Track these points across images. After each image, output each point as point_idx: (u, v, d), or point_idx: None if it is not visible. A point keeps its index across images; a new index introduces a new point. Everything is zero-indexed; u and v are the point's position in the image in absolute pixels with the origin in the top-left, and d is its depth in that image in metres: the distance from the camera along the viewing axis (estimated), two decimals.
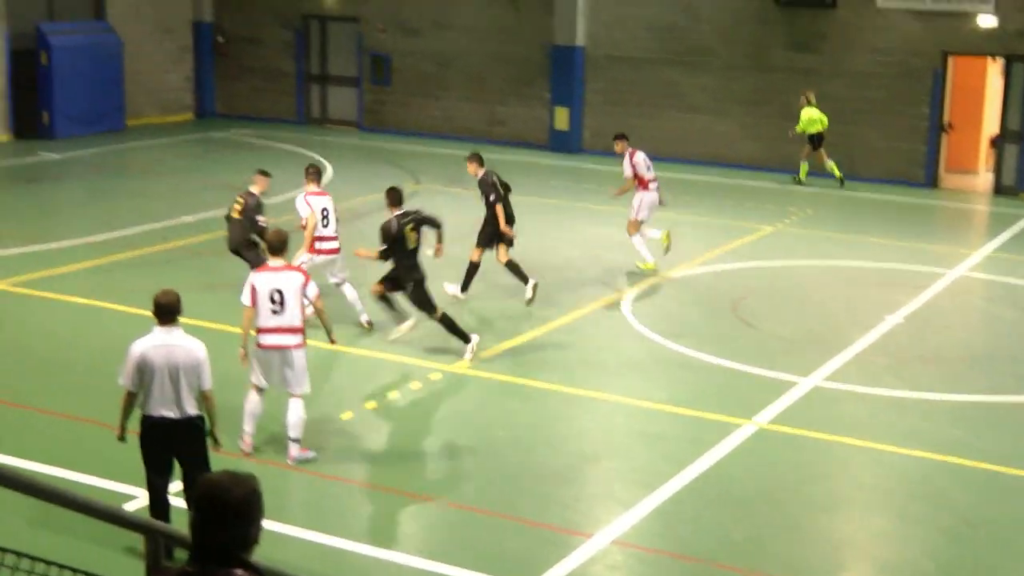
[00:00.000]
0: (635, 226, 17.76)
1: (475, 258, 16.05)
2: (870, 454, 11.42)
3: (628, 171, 18.22)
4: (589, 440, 11.56)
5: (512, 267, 15.85)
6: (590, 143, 27.55)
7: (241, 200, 14.89)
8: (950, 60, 24.54)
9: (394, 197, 13.67)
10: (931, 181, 24.91)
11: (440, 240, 14.01)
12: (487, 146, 27.78)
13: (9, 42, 26.92)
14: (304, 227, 14.47)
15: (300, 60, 30.86)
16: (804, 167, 24.64)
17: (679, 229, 20.31)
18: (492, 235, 16.00)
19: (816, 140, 24.30)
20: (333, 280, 14.81)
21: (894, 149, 25.02)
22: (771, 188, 24.19)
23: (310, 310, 11.17)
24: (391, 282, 13.76)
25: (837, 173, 24.37)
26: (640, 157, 18.17)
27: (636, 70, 27.00)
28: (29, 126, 27.04)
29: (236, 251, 15.00)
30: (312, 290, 10.70)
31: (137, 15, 29.96)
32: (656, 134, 27.01)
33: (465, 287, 16.02)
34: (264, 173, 15.25)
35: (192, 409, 8.78)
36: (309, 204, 14.60)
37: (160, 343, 8.75)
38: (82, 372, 12.85)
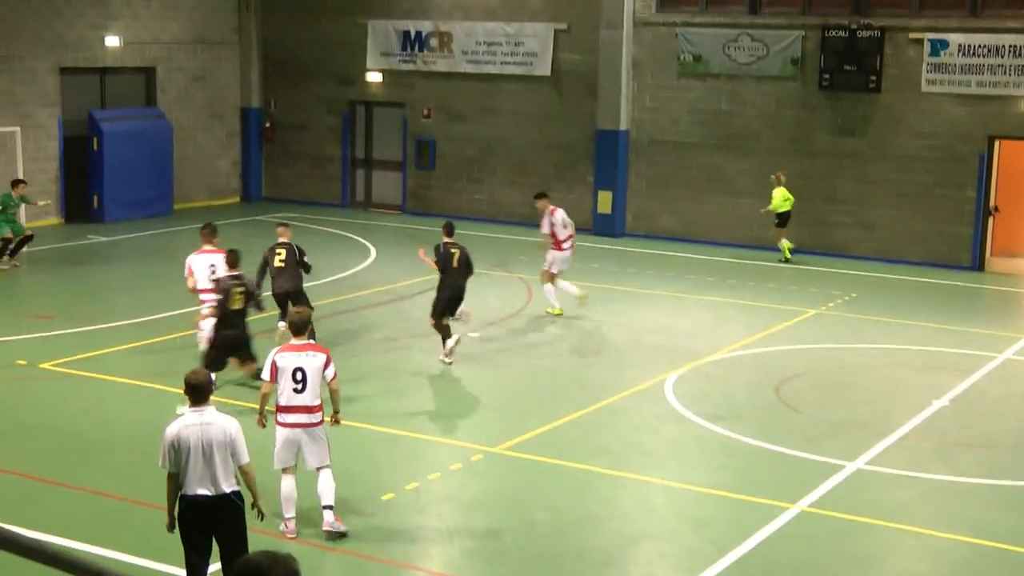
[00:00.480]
0: (547, 276, 19.31)
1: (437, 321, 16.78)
2: (916, 539, 11.23)
3: (546, 228, 19.62)
4: (631, 523, 11.43)
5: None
6: (633, 226, 27.61)
7: (282, 251, 16.83)
8: (996, 143, 24.48)
9: (232, 259, 15.31)
10: (977, 264, 24.73)
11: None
12: (530, 230, 27.94)
13: (62, 128, 27.44)
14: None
15: (345, 145, 31.24)
16: (785, 245, 24.99)
17: (723, 312, 20.31)
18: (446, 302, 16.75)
19: (784, 219, 24.85)
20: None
21: (940, 232, 24.89)
22: (814, 271, 24.09)
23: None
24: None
25: (787, 254, 24.93)
26: (559, 216, 19.46)
27: (679, 154, 27.12)
28: (80, 210, 27.45)
29: (293, 294, 16.78)
30: (331, 371, 10.85)
31: (187, 101, 30.50)
32: (699, 218, 27.06)
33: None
34: (284, 224, 17.71)
35: (229, 486, 8.76)
36: (191, 264, 16.25)
37: (192, 422, 8.77)
38: (123, 451, 12.90)
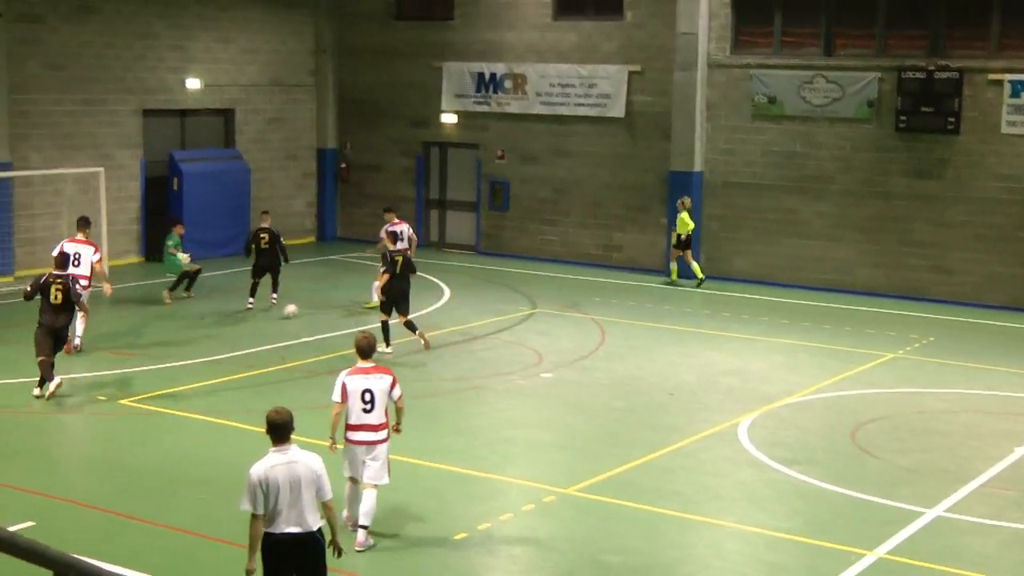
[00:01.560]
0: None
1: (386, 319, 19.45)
2: None
3: (382, 234, 21.81)
4: (703, 568, 11.33)
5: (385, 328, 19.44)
6: (706, 268, 27.48)
7: (265, 235, 22.32)
8: None
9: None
10: None
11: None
12: (603, 271, 27.96)
13: (144, 169, 27.95)
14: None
15: (420, 186, 31.49)
16: (696, 267, 26.29)
17: (797, 355, 20.14)
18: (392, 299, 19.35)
19: (686, 242, 26.08)
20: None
21: (1019, 276, 24.53)
22: (891, 314, 23.83)
23: None
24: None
25: (699, 275, 26.26)
26: (400, 229, 22.24)
27: (753, 196, 27.02)
28: (159, 249, 27.84)
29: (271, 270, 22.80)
30: (397, 392, 11.45)
31: (264, 143, 30.96)
32: (773, 260, 26.91)
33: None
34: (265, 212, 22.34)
35: (315, 523, 8.75)
36: (61, 247, 18.57)
37: (279, 462, 8.68)
38: (198, 488, 13.02)
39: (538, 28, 29.36)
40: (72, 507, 12.34)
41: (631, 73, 28.18)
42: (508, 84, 29.69)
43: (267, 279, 23.08)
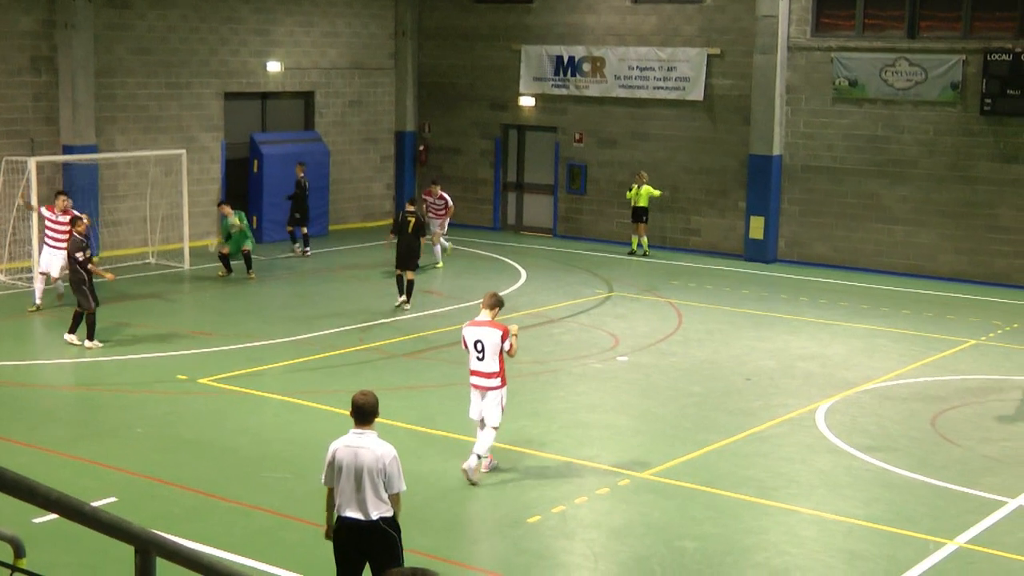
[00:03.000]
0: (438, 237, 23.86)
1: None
2: None
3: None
4: (780, 554, 11.27)
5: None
6: (785, 252, 27.28)
7: (412, 219, 21.87)
8: None
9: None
10: None
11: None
12: (682, 254, 27.83)
13: (225, 151, 28.30)
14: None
15: (498, 168, 31.53)
16: (645, 241, 27.72)
17: (877, 340, 19.93)
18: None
19: (643, 213, 27.56)
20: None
21: None
22: (974, 300, 23.47)
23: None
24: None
25: (643, 246, 27.71)
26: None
27: (834, 180, 26.72)
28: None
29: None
30: (507, 345, 12.53)
31: (343, 125, 31.18)
32: (854, 244, 26.61)
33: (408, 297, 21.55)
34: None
35: (379, 512, 8.60)
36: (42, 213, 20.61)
37: (350, 443, 8.71)
38: (278, 468, 13.18)
39: (618, 11, 29.23)
40: (153, 484, 12.56)
41: (711, 56, 27.97)
42: (587, 67, 29.61)
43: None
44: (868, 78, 26.01)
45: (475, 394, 12.79)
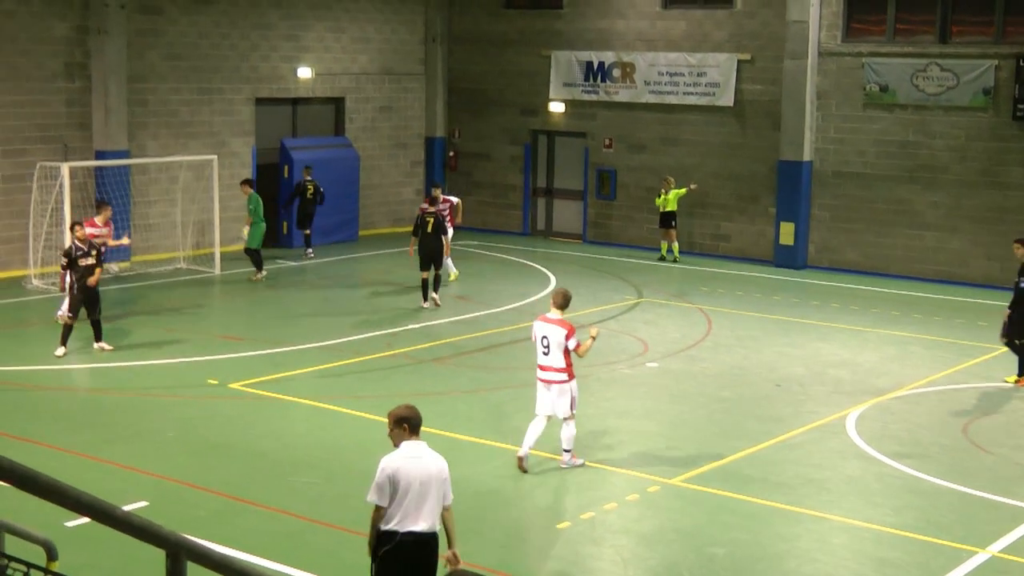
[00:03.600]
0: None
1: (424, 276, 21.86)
2: None
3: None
4: (810, 561, 11.22)
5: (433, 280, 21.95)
6: (815, 259, 27.18)
7: (431, 219, 22.14)
8: None
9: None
10: None
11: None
12: (712, 260, 27.76)
13: (255, 156, 28.42)
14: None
15: (527, 174, 31.55)
16: (675, 247, 27.70)
17: (908, 347, 19.82)
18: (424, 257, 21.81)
19: (672, 218, 27.48)
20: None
21: None
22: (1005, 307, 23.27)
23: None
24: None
25: (672, 252, 27.72)
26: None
27: (864, 186, 26.61)
28: (269, 235, 28.22)
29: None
30: (572, 343, 12.99)
31: (373, 131, 31.28)
32: (885, 251, 26.48)
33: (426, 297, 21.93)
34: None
35: (436, 524, 8.45)
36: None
37: (413, 455, 8.40)
38: (311, 474, 13.22)
39: (648, 16, 29.21)
40: (184, 488, 12.61)
41: (741, 61, 27.91)
42: (616, 73, 29.60)
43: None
44: (899, 83, 25.89)
45: (541, 387, 13.24)
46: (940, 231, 25.84)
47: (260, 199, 24.43)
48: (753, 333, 20.65)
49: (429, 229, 21.77)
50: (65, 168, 22.68)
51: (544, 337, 13.07)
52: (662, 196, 27.46)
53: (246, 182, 24.81)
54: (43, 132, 24.53)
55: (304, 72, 29.21)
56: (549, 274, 25.76)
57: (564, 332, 13.00)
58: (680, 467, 13.65)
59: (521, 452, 13.24)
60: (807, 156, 27.01)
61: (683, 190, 27.46)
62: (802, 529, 12.00)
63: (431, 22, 32.04)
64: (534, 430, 13.24)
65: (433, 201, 22.77)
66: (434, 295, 21.89)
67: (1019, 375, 17.51)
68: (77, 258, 17.73)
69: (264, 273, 24.37)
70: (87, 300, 17.83)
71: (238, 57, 27.87)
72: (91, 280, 17.73)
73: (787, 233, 27.23)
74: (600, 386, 17.14)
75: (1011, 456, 14.40)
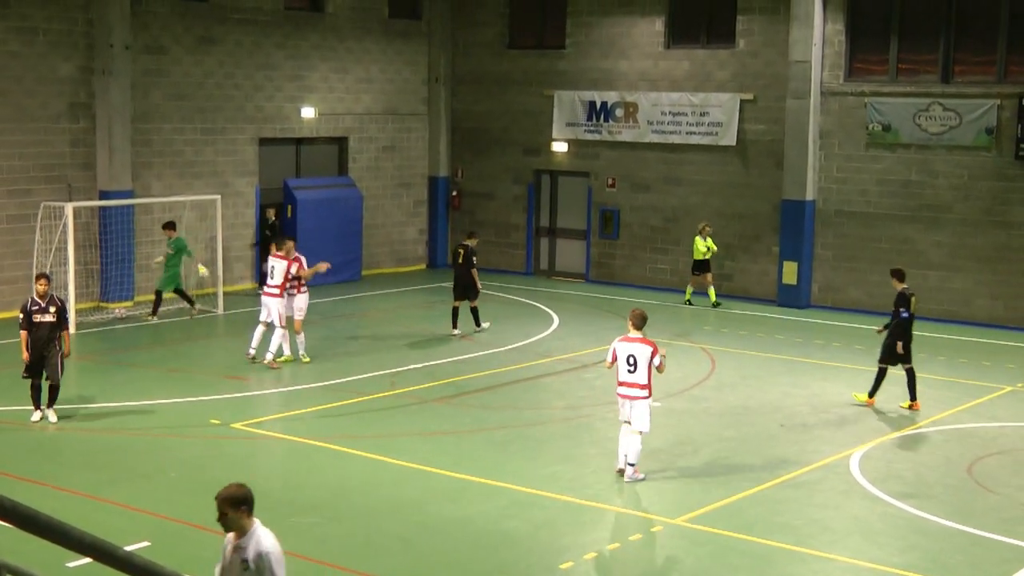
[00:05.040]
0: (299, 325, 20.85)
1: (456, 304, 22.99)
2: None
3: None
4: None
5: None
6: (819, 298, 27.17)
7: (462, 250, 23.17)
8: None
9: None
10: None
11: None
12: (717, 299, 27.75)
13: (259, 196, 28.49)
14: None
15: (531, 213, 31.61)
16: (712, 291, 27.13)
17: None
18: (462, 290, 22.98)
19: (703, 265, 27.02)
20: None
21: None
22: (1010, 346, 23.28)
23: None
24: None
25: (709, 296, 27.12)
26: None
27: (868, 225, 26.63)
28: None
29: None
30: (656, 360, 14.01)
31: (377, 171, 31.37)
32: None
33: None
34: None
35: None
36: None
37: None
38: (313, 513, 13.17)
39: (650, 56, 29.34)
40: (187, 528, 12.56)
41: (743, 101, 28.01)
42: (619, 113, 29.71)
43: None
44: (902, 123, 25.96)
45: (624, 403, 14.18)
46: (943, 270, 25.84)
47: (185, 241, 24.44)
48: (757, 373, 20.62)
49: (460, 260, 23.07)
50: (69, 208, 22.74)
51: (631, 356, 14.01)
52: (696, 241, 27.17)
53: (169, 225, 24.58)
54: (47, 172, 24.61)
55: (308, 112, 29.33)
56: (552, 314, 25.75)
57: (650, 350, 14.01)
58: (684, 507, 13.59)
59: (620, 465, 14.43)
60: (810, 195, 27.06)
61: (703, 248, 26.95)
62: (807, 570, 11.93)
63: (434, 62, 32.19)
64: (624, 439, 14.30)
65: (470, 234, 24.16)
66: (476, 327, 23.17)
67: (912, 399, 18.33)
68: (31, 313, 15.95)
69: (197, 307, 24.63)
70: (45, 362, 16.05)
71: (242, 97, 28.00)
72: (64, 348, 16.12)
73: (790, 272, 27.24)
74: (604, 426, 17.09)
75: (1016, 496, 14.34)
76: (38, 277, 16.50)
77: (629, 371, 14.02)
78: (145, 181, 26.17)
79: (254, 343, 20.43)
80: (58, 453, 15.27)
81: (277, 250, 20.61)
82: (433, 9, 31.97)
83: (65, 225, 22.62)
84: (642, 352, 13.99)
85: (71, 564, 10.56)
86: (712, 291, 27.03)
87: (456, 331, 22.87)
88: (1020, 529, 13.06)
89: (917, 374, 18.45)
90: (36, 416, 16.49)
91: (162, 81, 26.41)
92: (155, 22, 26.20)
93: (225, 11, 27.50)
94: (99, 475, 14.36)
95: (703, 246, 26.91)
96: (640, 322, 14.26)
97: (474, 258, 23.16)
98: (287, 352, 20.35)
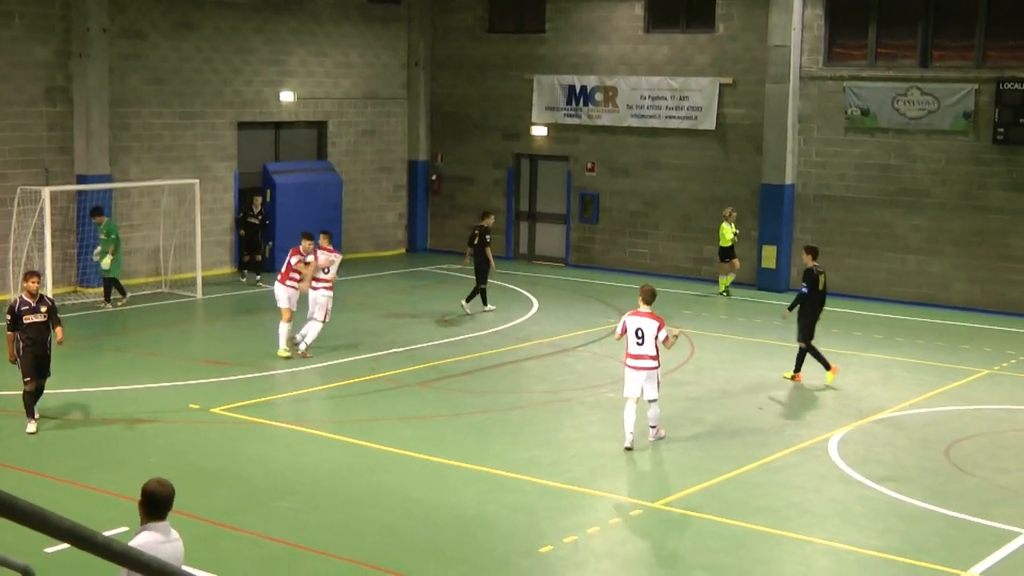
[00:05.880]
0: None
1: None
2: None
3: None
4: None
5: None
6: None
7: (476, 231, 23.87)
8: None
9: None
10: None
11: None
12: (693, 284, 27.81)
13: (238, 180, 28.40)
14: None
15: (510, 198, 31.59)
16: (727, 280, 26.73)
17: (890, 370, 19.85)
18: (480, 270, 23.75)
19: (730, 252, 26.47)
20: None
21: None
22: (987, 330, 23.41)
23: None
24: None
25: (725, 286, 26.72)
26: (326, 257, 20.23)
27: (846, 209, 26.72)
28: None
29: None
30: (663, 335, 14.69)
31: (356, 155, 31.29)
32: (867, 274, 26.57)
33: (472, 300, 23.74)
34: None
35: None
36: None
37: (164, 540, 7.34)
38: (292, 499, 13.17)
39: (630, 41, 29.33)
40: None
41: (723, 85, 28.04)
42: (599, 97, 29.70)
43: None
44: (880, 107, 26.04)
45: (633, 375, 14.83)
46: (921, 254, 25.95)
47: (116, 226, 23.96)
48: (736, 356, 20.68)
49: (476, 241, 23.86)
50: (46, 192, 22.63)
51: (639, 329, 14.73)
52: (730, 228, 26.58)
53: (97, 210, 23.96)
54: (24, 156, 24.48)
55: (287, 96, 29.23)
56: (532, 298, 25.75)
57: (656, 324, 14.74)
58: (663, 491, 13.64)
59: (627, 443, 14.91)
60: (789, 180, 27.12)
61: (728, 235, 26.50)
62: (786, 553, 11.99)
63: (414, 46, 32.11)
64: (630, 416, 14.89)
65: (484, 214, 24.85)
66: (465, 304, 23.75)
67: (796, 371, 18.91)
68: (22, 314, 15.05)
69: (127, 296, 24.04)
70: (40, 362, 15.26)
71: (221, 81, 27.88)
72: (58, 338, 15.38)
73: (769, 256, 27.32)
74: (584, 410, 17.13)
75: (993, 478, 14.43)
76: (28, 275, 15.44)
77: (637, 343, 14.74)
78: (123, 165, 26.06)
79: (308, 338, 19.71)
80: (37, 439, 15.21)
81: (324, 244, 20.17)
82: None
83: (42, 209, 22.50)
84: (649, 326, 14.71)
85: (50, 550, 10.54)
86: (729, 278, 26.68)
87: (489, 307, 23.79)
88: (997, 511, 13.15)
89: (896, 358, 18.52)
90: (32, 427, 15.31)
91: (140, 65, 26.27)
92: (132, 6, 26.06)
93: None
94: (78, 461, 14.32)
95: (729, 232, 26.34)
96: (650, 297, 15.01)
97: (488, 236, 23.81)
98: (282, 345, 19.80)
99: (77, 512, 11.79)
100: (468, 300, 23.74)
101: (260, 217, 26.76)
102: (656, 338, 14.73)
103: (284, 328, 19.79)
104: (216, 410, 16.55)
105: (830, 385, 18.66)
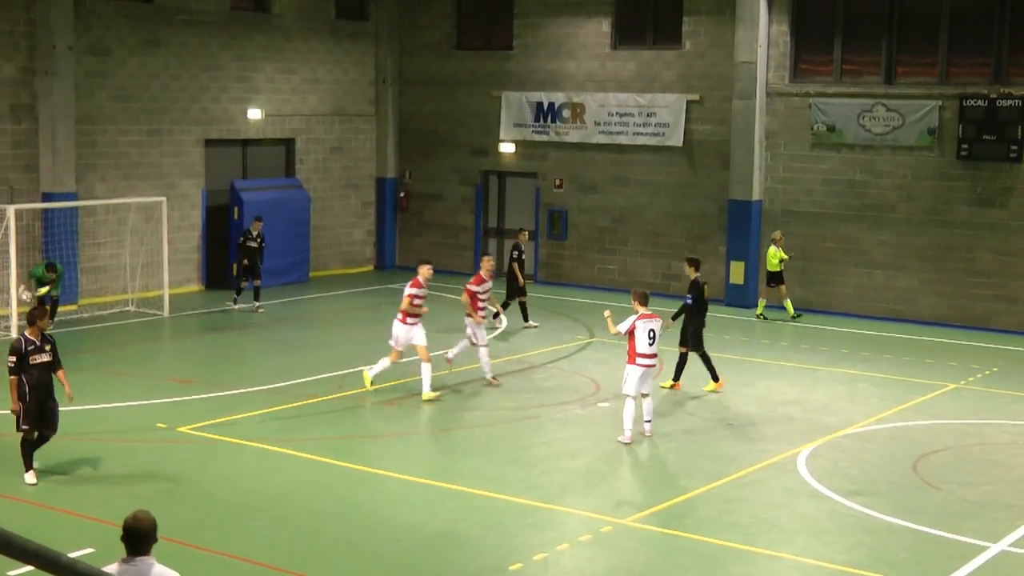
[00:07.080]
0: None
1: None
2: None
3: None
4: None
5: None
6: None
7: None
8: None
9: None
10: None
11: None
12: (662, 300, 27.86)
13: (206, 198, 28.28)
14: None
15: (479, 215, 31.60)
16: (788, 303, 26.01)
17: (858, 385, 19.94)
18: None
19: (776, 277, 25.81)
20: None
21: None
22: (953, 344, 23.56)
23: None
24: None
25: (786, 308, 25.93)
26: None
27: (813, 225, 26.85)
28: (220, 277, 28.17)
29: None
30: (661, 330, 15.99)
31: (324, 172, 31.24)
32: (834, 288, 26.70)
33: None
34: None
35: None
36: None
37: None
38: (260, 517, 13.09)
39: (597, 57, 29.42)
40: None
41: (690, 102, 28.15)
42: (567, 113, 29.77)
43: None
44: (846, 123, 26.21)
45: (644, 373, 15.85)
46: (888, 269, 26.10)
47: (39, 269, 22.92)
48: (704, 372, 20.70)
49: (512, 258, 24.85)
50: (11, 210, 22.46)
51: (651, 330, 15.79)
52: (771, 251, 25.91)
53: (51, 266, 22.72)
54: None
55: (254, 113, 29.16)
56: (501, 314, 25.73)
57: (660, 323, 16.08)
58: (633, 507, 13.63)
59: (627, 439, 15.86)
60: (756, 195, 27.24)
61: (776, 260, 25.70)
62: (755, 568, 12.00)
63: (381, 63, 32.10)
64: (631, 413, 15.82)
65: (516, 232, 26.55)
66: (529, 321, 24.68)
67: (714, 380, 19.34)
68: (28, 354, 13.83)
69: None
70: (47, 415, 14.10)
71: (188, 98, 27.78)
72: (67, 392, 14.27)
73: (737, 272, 27.41)
74: (553, 426, 17.12)
75: (960, 492, 14.50)
76: (36, 315, 14.14)
77: (650, 344, 15.79)
78: (89, 183, 25.92)
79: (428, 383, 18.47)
80: (1, 460, 15.06)
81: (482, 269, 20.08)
82: (380, 10, 31.89)
83: (7, 228, 22.33)
84: (658, 326, 15.99)
85: (13, 572, 10.42)
86: (788, 303, 25.84)
87: (530, 323, 24.48)
88: (964, 525, 13.21)
89: (863, 373, 18.57)
90: (31, 478, 14.02)
91: (107, 82, 26.15)
92: (99, 23, 25.95)
93: (170, 12, 27.28)
94: (43, 481, 14.18)
95: (776, 257, 25.61)
96: (646, 299, 16.21)
97: (515, 253, 24.68)
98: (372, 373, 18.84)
99: (42, 534, 11.69)
100: (526, 319, 24.58)
101: (259, 240, 25.74)
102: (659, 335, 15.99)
103: (427, 369, 18.53)
104: (183, 429, 16.44)
105: (709, 392, 19.14)
